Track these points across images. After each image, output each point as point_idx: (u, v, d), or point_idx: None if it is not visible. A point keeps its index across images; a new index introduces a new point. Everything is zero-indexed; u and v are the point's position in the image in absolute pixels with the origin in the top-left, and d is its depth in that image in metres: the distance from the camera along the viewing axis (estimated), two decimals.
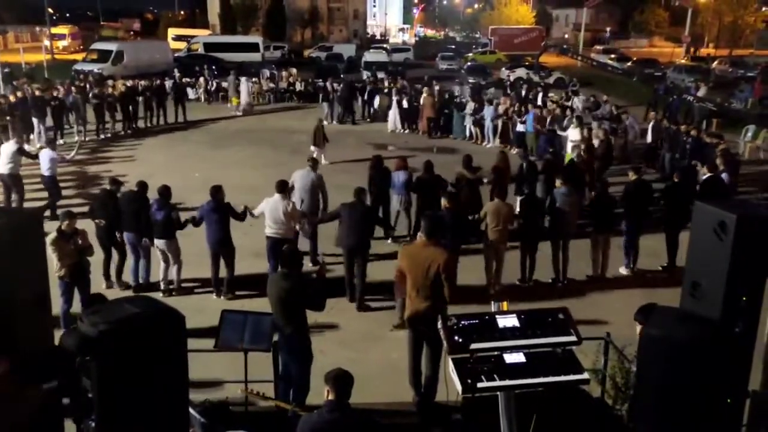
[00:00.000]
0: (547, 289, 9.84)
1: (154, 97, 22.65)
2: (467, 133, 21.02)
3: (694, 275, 4.89)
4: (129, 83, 22.79)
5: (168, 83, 26.58)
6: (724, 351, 4.03)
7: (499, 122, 19.97)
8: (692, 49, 51.09)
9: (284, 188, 9.14)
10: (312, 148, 16.45)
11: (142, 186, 9.49)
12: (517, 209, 10.25)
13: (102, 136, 20.30)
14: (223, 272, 9.32)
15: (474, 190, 11.17)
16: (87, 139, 19.61)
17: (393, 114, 22.43)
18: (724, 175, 11.53)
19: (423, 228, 6.12)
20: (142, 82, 23.64)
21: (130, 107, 21.48)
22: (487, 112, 20.34)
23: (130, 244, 9.36)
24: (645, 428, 4.14)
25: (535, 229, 9.88)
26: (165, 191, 9.23)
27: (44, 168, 12.34)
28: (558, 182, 10.24)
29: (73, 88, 21.32)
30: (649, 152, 17.41)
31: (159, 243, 9.21)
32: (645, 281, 10.19)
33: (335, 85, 24.85)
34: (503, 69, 40.07)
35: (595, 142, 14.74)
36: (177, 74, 25.98)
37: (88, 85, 23.29)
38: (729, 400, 4.25)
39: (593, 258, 10.27)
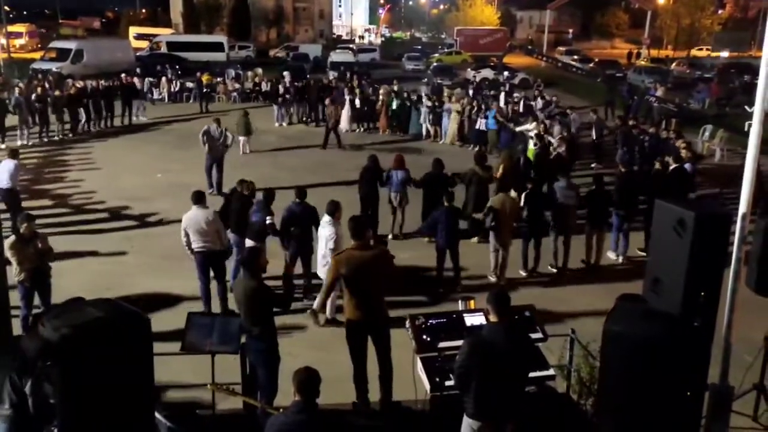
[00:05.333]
0: (516, 285, 9.93)
1: (102, 98, 21.71)
2: (423, 131, 21.24)
3: (656, 271, 5.01)
4: (79, 84, 21.97)
5: (136, 81, 26.01)
6: (683, 346, 4.13)
7: (453, 119, 20.22)
8: (636, 53, 52.82)
9: (201, 199, 8.57)
10: (240, 138, 17.86)
11: (245, 185, 9.46)
12: (521, 203, 10.44)
13: (46, 139, 19.35)
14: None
15: (484, 188, 11.32)
16: (30, 143, 18.75)
17: (345, 114, 22.48)
18: (687, 166, 12.03)
19: (350, 230, 6.08)
20: (93, 83, 22.77)
21: (79, 109, 20.57)
22: (447, 108, 20.63)
23: (233, 242, 9.13)
24: (609, 422, 4.23)
25: (541, 222, 10.19)
26: (269, 195, 9.09)
27: (2, 180, 11.30)
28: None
29: (17, 88, 20.25)
30: (595, 148, 18.02)
31: (251, 245, 8.83)
32: (610, 276, 10.37)
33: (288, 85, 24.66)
34: (469, 69, 40.39)
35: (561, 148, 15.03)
36: (123, 75, 25.13)
37: (45, 85, 22.63)
38: (689, 393, 4.36)
39: (587, 246, 10.64)
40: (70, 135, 20.19)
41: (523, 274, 10.28)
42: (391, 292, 6.13)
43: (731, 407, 5.40)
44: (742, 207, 5.12)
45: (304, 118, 23.87)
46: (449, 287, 9.60)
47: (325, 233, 8.22)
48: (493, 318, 4.51)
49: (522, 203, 10.22)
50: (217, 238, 8.43)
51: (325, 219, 8.28)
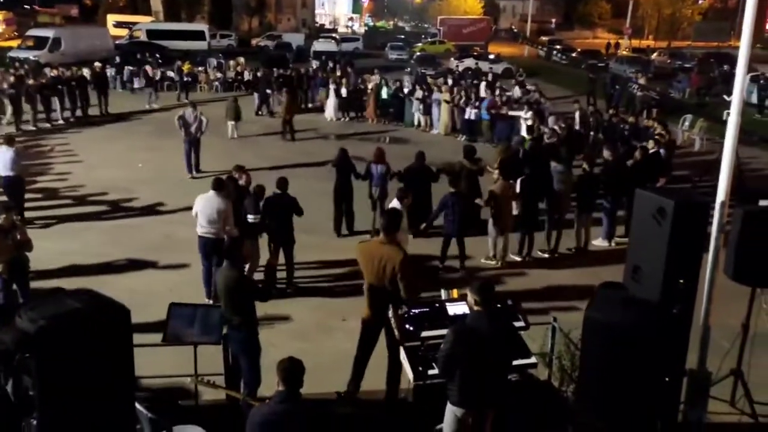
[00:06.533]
0: (507, 270, 10.03)
1: (77, 87, 21.09)
2: (416, 121, 21.22)
3: (636, 259, 5.06)
4: (53, 72, 21.48)
5: (109, 71, 25.60)
6: (662, 333, 4.19)
7: (444, 109, 20.23)
8: (614, 44, 53.17)
9: (220, 187, 8.60)
10: (228, 123, 18.62)
11: (240, 172, 9.45)
12: (517, 190, 10.56)
13: (20, 130, 18.62)
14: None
15: (474, 180, 11.28)
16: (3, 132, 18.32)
17: (331, 102, 22.40)
18: (661, 151, 12.41)
19: (382, 224, 5.98)
20: (68, 71, 22.31)
21: (53, 98, 20.03)
22: (435, 97, 20.63)
23: None
24: (589, 408, 4.28)
25: (536, 208, 10.40)
26: (259, 191, 9.00)
27: (2, 168, 10.92)
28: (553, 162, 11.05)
29: None
30: (579, 139, 18.05)
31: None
32: (598, 262, 10.45)
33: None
34: (452, 59, 40.36)
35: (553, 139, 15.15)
36: (97, 64, 24.67)
37: (22, 73, 22.12)
38: (667, 379, 4.43)
39: (576, 233, 10.83)
40: (47, 125, 19.73)
41: (518, 259, 10.41)
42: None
43: (709, 392, 5.49)
44: (720, 195, 5.18)
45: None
46: (452, 274, 9.66)
47: None
48: (477, 306, 4.53)
49: (518, 190, 10.32)
50: (222, 227, 8.45)
51: (394, 203, 8.87)
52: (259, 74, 25.38)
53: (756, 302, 5.76)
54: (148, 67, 26.49)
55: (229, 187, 9.29)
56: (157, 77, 27.20)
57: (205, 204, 8.45)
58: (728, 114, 5.28)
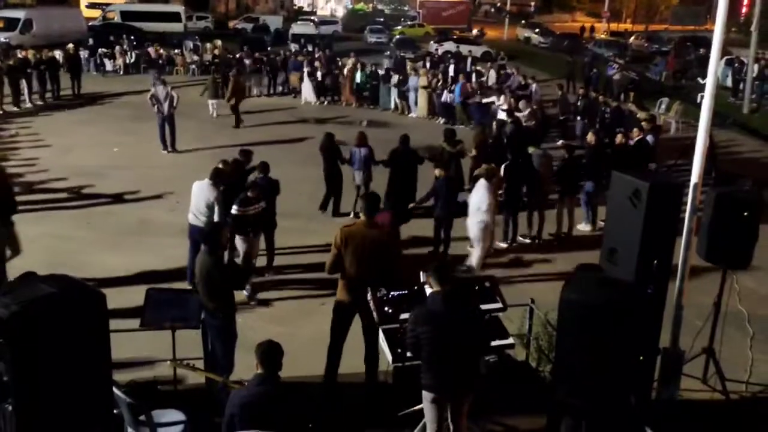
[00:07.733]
0: (491, 256, 10.02)
1: (47, 69, 20.62)
2: (392, 105, 21.19)
3: (612, 241, 5.13)
4: (22, 54, 20.80)
5: (83, 54, 25.10)
6: (637, 312, 4.26)
7: (422, 93, 20.21)
8: (590, 28, 53.34)
9: (216, 177, 8.42)
10: (209, 102, 18.83)
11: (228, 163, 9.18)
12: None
13: None
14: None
15: (457, 164, 11.30)
16: None
17: (306, 86, 22.24)
18: (649, 138, 12.44)
19: (364, 208, 5.93)
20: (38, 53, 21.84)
21: (21, 81, 19.53)
22: (412, 82, 20.55)
23: None
24: (565, 387, 4.34)
25: (519, 193, 10.45)
26: (253, 186, 8.74)
27: None
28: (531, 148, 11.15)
29: None
30: (560, 123, 18.21)
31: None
32: (581, 246, 10.53)
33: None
34: (431, 42, 40.23)
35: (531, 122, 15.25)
36: (71, 45, 24.11)
37: None
38: (642, 357, 4.51)
39: (558, 218, 10.86)
40: (15, 109, 19.18)
41: (504, 246, 10.38)
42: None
43: (682, 370, 5.61)
44: (694, 178, 5.25)
45: (270, 91, 23.66)
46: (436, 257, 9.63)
47: (476, 196, 8.93)
48: (434, 288, 4.57)
49: (502, 175, 10.32)
50: (207, 217, 8.29)
51: (481, 183, 8.98)
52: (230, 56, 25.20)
53: (727, 282, 5.89)
54: (151, 50, 26.56)
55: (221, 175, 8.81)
56: (131, 60, 26.88)
57: (198, 192, 8.33)
58: (703, 97, 5.34)
